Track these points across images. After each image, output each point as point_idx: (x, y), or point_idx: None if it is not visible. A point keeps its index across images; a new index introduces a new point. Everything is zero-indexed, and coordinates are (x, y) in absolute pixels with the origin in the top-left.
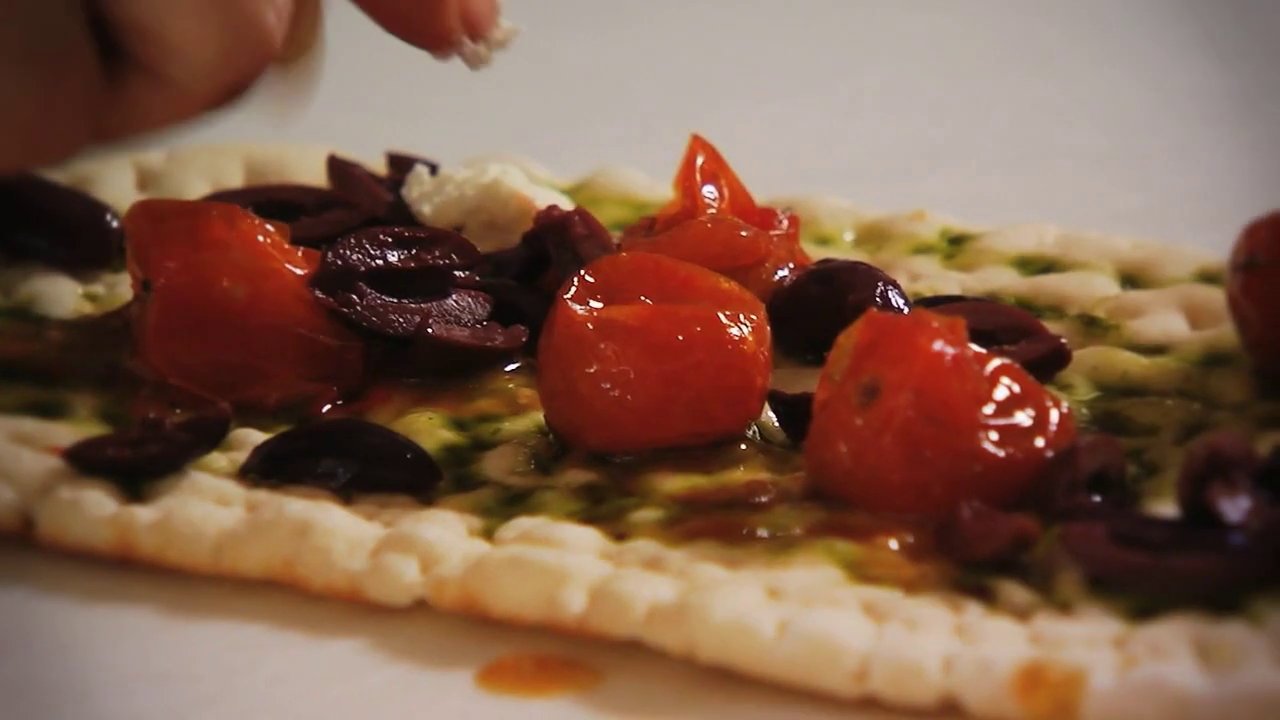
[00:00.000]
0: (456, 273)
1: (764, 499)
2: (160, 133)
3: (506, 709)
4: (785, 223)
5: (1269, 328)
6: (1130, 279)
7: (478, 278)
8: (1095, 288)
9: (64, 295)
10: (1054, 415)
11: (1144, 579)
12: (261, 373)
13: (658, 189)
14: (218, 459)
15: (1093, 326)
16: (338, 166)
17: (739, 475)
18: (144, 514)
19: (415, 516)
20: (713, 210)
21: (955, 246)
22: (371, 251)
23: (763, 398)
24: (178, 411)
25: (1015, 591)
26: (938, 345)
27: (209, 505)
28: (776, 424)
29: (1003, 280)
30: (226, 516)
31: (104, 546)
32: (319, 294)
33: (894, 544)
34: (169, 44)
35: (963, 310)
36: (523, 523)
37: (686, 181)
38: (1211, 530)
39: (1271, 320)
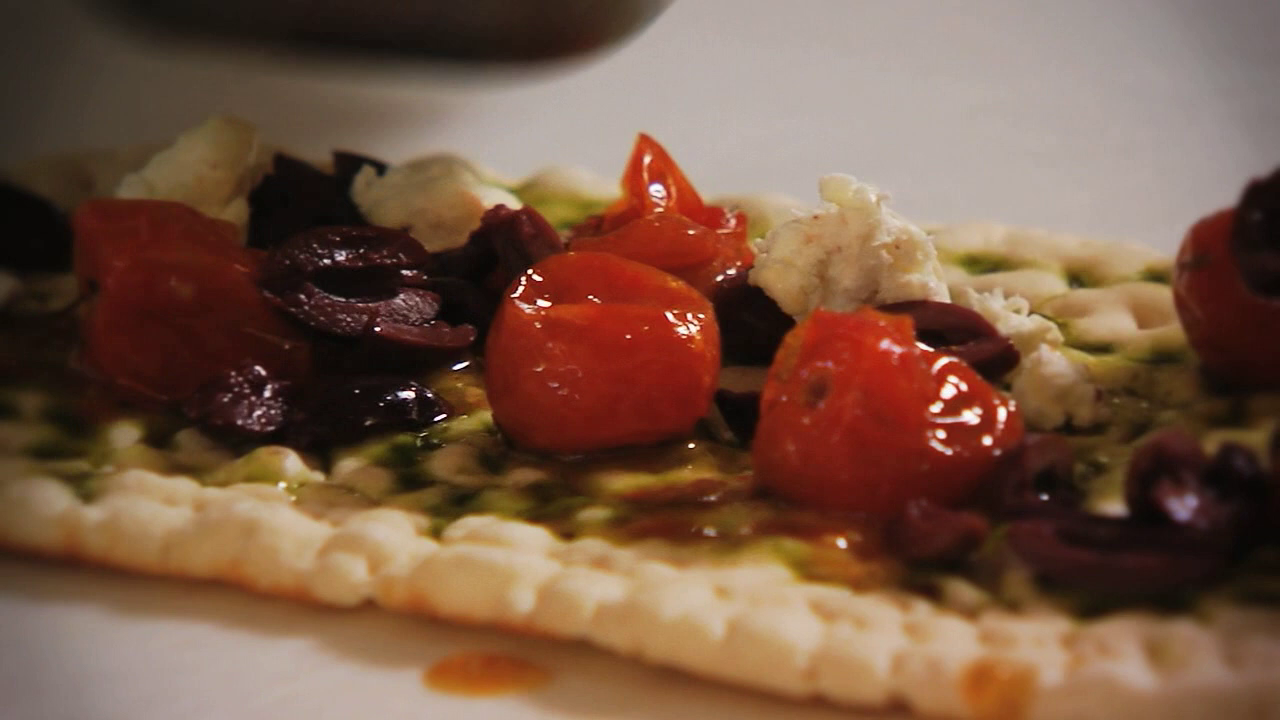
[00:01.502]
0: (404, 272)
1: (712, 498)
2: None
3: (454, 708)
4: (732, 221)
5: (1215, 326)
6: (1077, 277)
7: (425, 277)
8: (1043, 286)
9: (9, 294)
10: (1001, 414)
11: (1092, 577)
12: (209, 372)
13: (605, 188)
14: (161, 457)
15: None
16: (285, 165)
17: (687, 474)
18: (91, 513)
19: (363, 516)
20: (660, 209)
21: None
22: (319, 251)
23: (710, 397)
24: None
25: (963, 590)
26: (885, 344)
27: (156, 505)
28: (724, 423)
29: (951, 279)
30: (174, 516)
31: (51, 546)
32: (267, 293)
33: (842, 543)
34: None
35: (910, 309)
36: (471, 522)
37: (634, 180)
38: (1159, 528)
39: (1217, 318)
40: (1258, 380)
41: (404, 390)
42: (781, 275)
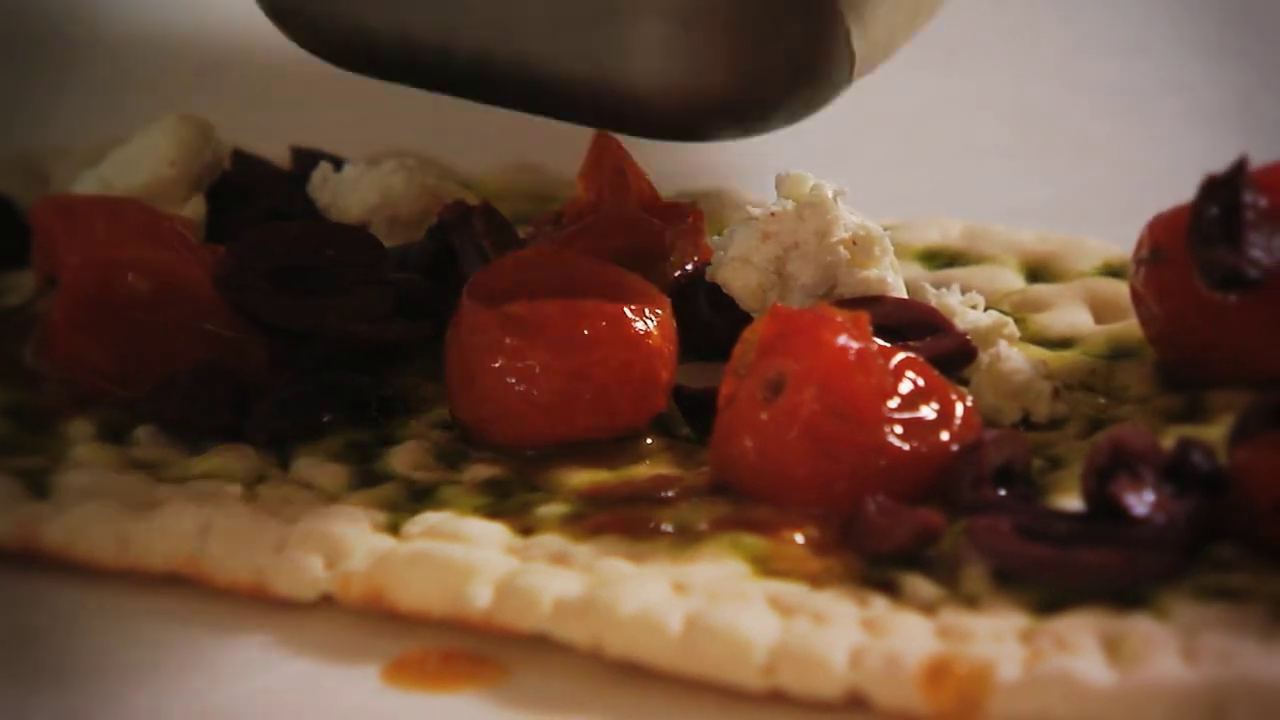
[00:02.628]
0: (361, 267)
1: (669, 494)
2: None
3: (412, 704)
4: (690, 217)
5: (1172, 321)
6: (1035, 273)
7: (382, 273)
8: (1000, 281)
9: None
10: (959, 409)
11: (1050, 573)
12: (166, 368)
13: (563, 183)
14: (119, 453)
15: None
16: (242, 161)
17: (644, 470)
18: (48, 509)
19: (320, 512)
20: (618, 205)
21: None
22: (276, 247)
23: (668, 392)
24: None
25: (921, 585)
26: (842, 340)
27: (113, 501)
28: (682, 419)
29: (908, 274)
30: (131, 512)
31: (8, 541)
32: (224, 289)
33: (800, 538)
34: None
35: (868, 305)
36: (428, 518)
37: (592, 176)
38: (1117, 524)
39: (1174, 313)
40: (1214, 375)
41: (361, 386)
42: (739, 272)
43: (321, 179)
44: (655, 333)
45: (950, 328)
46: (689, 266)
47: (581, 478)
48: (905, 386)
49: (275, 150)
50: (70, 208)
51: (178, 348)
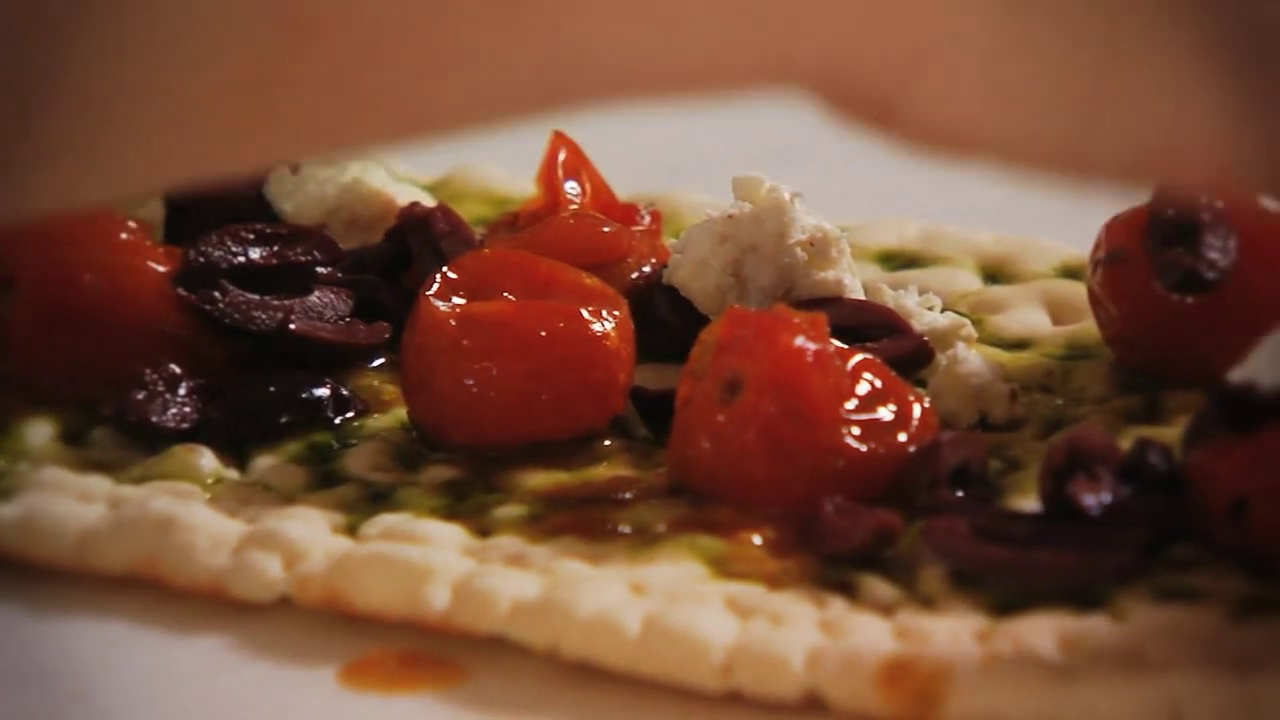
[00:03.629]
0: (319, 269)
1: (627, 495)
2: None
3: (370, 706)
4: (647, 218)
5: (1129, 322)
6: (992, 274)
7: (340, 274)
8: (957, 283)
9: None
10: (916, 410)
11: (1006, 573)
12: (124, 369)
13: (520, 185)
14: (77, 454)
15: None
16: None
17: (602, 471)
18: (6, 511)
19: (278, 513)
20: (575, 206)
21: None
22: (234, 248)
23: (626, 394)
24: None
25: (879, 586)
26: (799, 341)
27: (71, 502)
28: (640, 420)
29: (865, 276)
30: (89, 514)
31: None
32: (182, 291)
33: (757, 539)
34: None
35: (825, 306)
36: (386, 519)
37: (548, 177)
38: (1074, 525)
39: (1131, 314)
40: (1171, 376)
41: (319, 388)
42: (697, 275)
43: (279, 180)
44: (613, 334)
45: (908, 329)
46: (646, 268)
47: (539, 479)
48: (863, 388)
49: None
50: None
51: (136, 349)
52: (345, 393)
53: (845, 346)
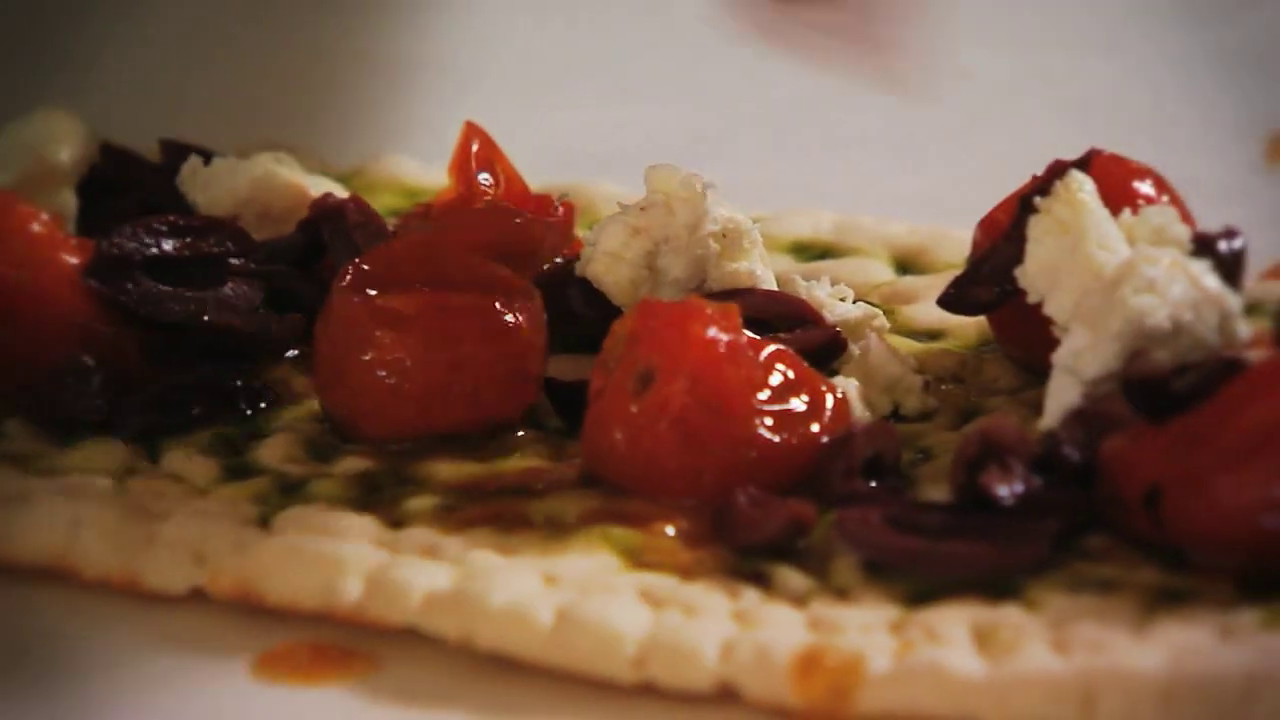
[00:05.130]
0: (232, 260)
1: (540, 486)
2: None
3: (282, 697)
4: (560, 209)
5: (1007, 319)
6: (905, 265)
7: (253, 265)
8: (870, 273)
9: None
10: (829, 401)
11: (920, 564)
12: (36, 361)
13: (432, 176)
14: None
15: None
16: (111, 154)
17: (515, 462)
18: None
19: (191, 505)
20: (488, 197)
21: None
22: (146, 240)
23: (538, 385)
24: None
25: (792, 577)
26: (711, 332)
27: None
28: (552, 411)
29: (778, 267)
30: None
31: None
32: (94, 282)
33: (670, 530)
34: None
35: (737, 297)
36: (299, 511)
37: (461, 168)
38: (986, 515)
39: (1010, 314)
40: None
41: (232, 379)
42: (610, 268)
43: (191, 172)
44: (526, 325)
45: (820, 320)
46: (559, 259)
47: (452, 470)
48: (775, 378)
49: (145, 143)
50: None
51: (49, 341)
52: (258, 384)
53: (758, 337)
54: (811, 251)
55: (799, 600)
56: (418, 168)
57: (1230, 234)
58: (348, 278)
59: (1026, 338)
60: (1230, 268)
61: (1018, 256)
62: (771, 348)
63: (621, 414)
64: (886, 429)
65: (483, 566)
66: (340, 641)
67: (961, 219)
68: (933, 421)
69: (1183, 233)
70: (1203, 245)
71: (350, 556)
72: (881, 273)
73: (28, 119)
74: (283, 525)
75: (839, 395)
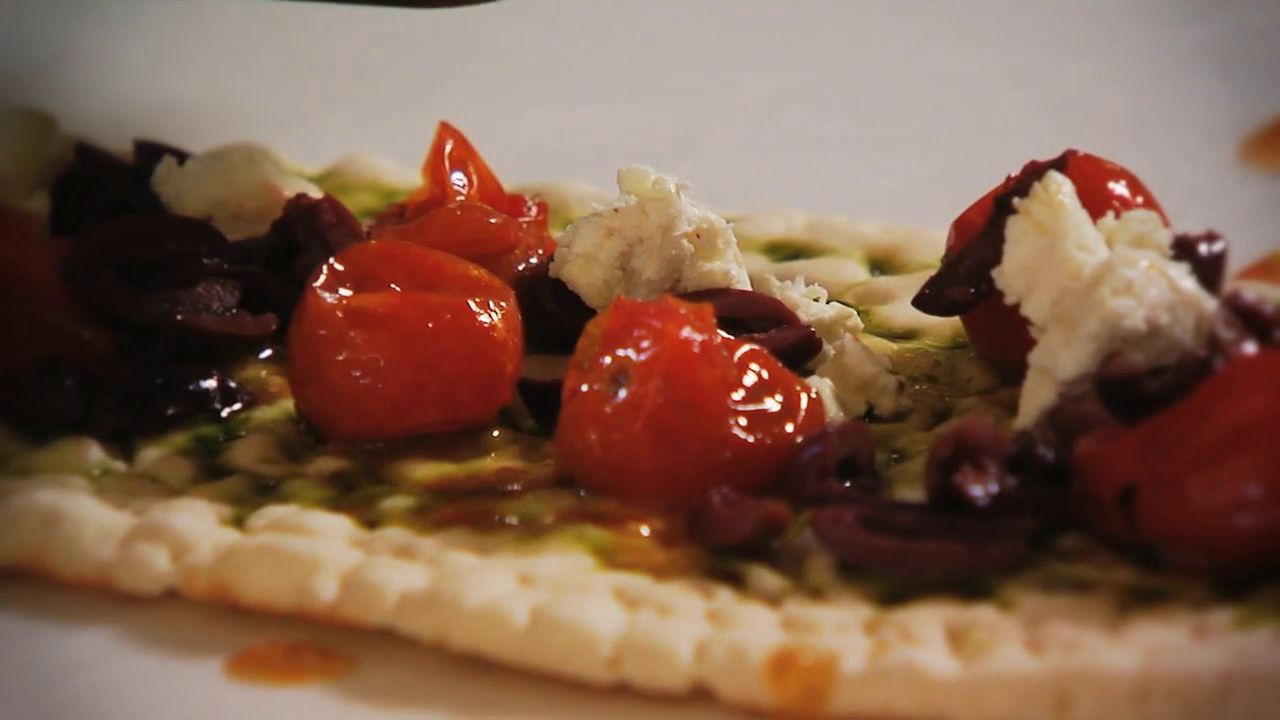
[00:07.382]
0: (205, 261)
1: (515, 486)
2: None
3: (257, 698)
4: (534, 209)
5: (981, 319)
6: (879, 265)
7: (227, 266)
8: (844, 273)
9: None
10: (803, 401)
11: (893, 564)
12: (10, 360)
13: (406, 176)
14: None
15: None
16: (86, 154)
17: (490, 463)
18: None
19: (165, 505)
20: (461, 197)
21: None
22: (121, 240)
23: (513, 385)
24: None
25: (766, 577)
26: (686, 332)
27: None
28: (527, 411)
29: (752, 267)
30: None
31: None
32: (69, 282)
33: (645, 530)
34: None
35: (712, 297)
36: (273, 511)
37: (435, 169)
38: (960, 515)
39: (985, 314)
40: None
41: (206, 379)
42: (584, 269)
43: (165, 172)
44: (500, 325)
45: (794, 320)
46: (533, 259)
47: (426, 470)
48: (749, 379)
49: (119, 143)
50: None
51: (22, 340)
52: (232, 384)
53: (732, 338)
54: (786, 251)
55: (773, 600)
56: (392, 168)
57: (1211, 237)
58: (321, 278)
59: (1001, 338)
60: (1210, 271)
61: (994, 257)
62: (746, 348)
63: (596, 414)
64: (861, 429)
65: (458, 567)
66: (315, 642)
67: (935, 219)
68: (907, 421)
69: (1164, 238)
70: (1183, 248)
71: (325, 557)
72: (856, 273)
73: (2, 119)
74: (257, 525)
75: (813, 395)
